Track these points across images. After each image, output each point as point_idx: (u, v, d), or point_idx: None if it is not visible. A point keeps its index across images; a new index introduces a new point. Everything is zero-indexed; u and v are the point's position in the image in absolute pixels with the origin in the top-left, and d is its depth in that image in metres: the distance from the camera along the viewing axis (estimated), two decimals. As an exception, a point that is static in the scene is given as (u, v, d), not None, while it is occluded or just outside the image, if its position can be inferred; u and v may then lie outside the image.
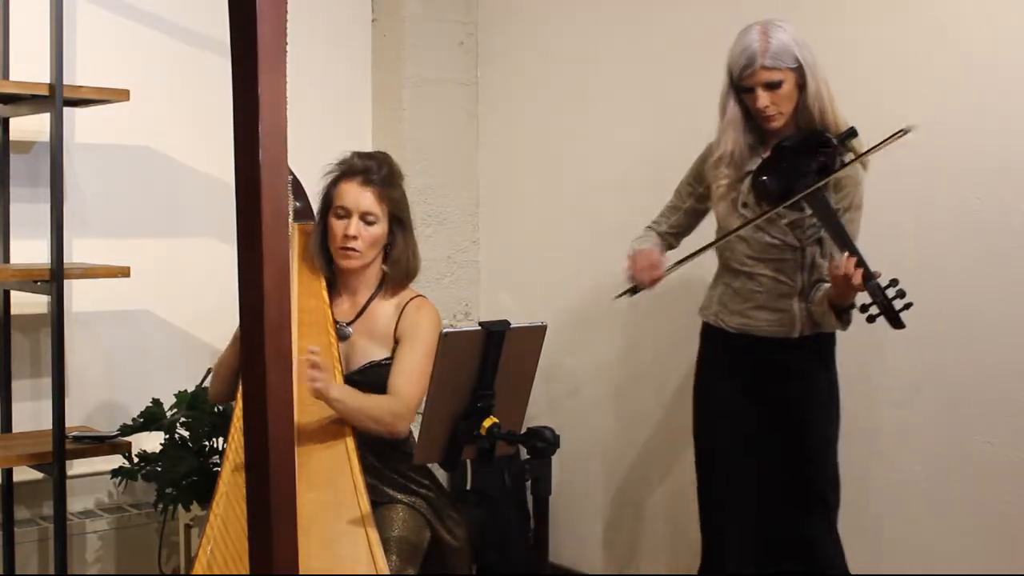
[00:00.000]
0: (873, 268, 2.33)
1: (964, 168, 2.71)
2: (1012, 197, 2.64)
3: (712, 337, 2.72)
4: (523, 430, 2.08)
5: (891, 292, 2.29)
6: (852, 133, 2.47)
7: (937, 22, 2.77)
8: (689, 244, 2.78)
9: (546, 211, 3.84)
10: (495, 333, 2.04)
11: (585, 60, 3.68)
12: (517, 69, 3.93)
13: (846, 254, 2.34)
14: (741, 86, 2.52)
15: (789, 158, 2.47)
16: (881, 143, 2.39)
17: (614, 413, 3.62)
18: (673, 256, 2.73)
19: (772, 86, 2.49)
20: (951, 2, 2.74)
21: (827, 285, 2.52)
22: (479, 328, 2.04)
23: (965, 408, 2.72)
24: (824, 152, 2.44)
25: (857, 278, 2.30)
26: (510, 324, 2.06)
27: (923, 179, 2.78)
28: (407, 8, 3.89)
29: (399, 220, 2.60)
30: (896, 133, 2.36)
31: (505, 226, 4.00)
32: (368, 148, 2.74)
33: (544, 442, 1.98)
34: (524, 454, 2.03)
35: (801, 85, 2.51)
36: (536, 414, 3.72)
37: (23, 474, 3.19)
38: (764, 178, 2.49)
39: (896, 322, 2.30)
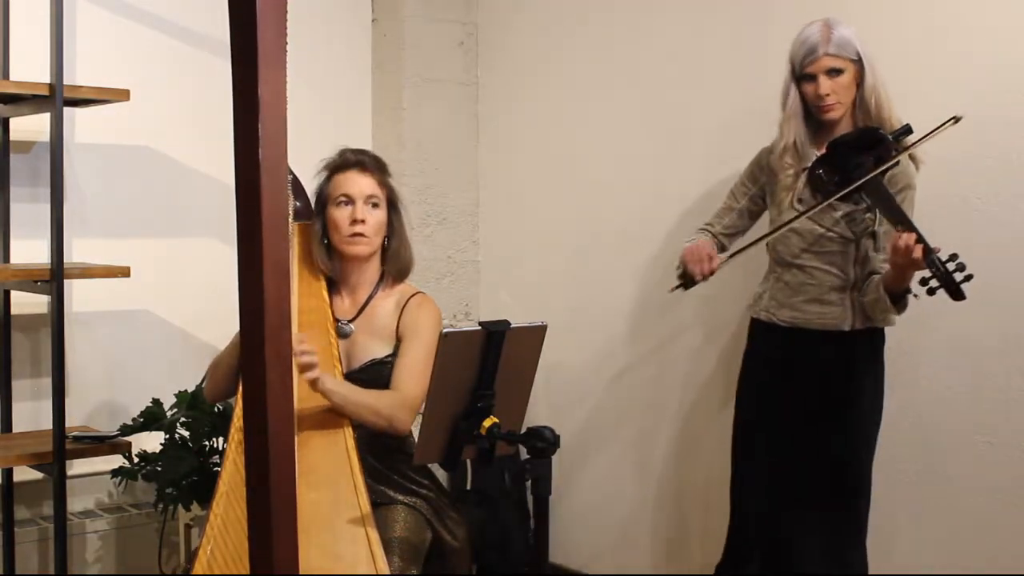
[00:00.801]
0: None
1: (964, 166, 2.71)
2: (1012, 195, 2.64)
3: (761, 333, 2.75)
4: (523, 430, 2.08)
5: (951, 265, 2.31)
6: (907, 130, 2.50)
7: (937, 20, 2.77)
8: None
9: (546, 211, 3.84)
10: (495, 333, 2.04)
11: (585, 60, 3.68)
12: (517, 69, 3.93)
13: (905, 231, 2.36)
14: (803, 75, 2.57)
15: (844, 153, 2.51)
16: (933, 131, 2.44)
17: (614, 413, 3.62)
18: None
19: (833, 73, 2.54)
20: (951, 0, 2.75)
21: (879, 275, 2.54)
22: (479, 328, 2.04)
23: (964, 407, 2.72)
24: (879, 147, 2.48)
25: (918, 252, 2.33)
26: (510, 324, 2.06)
27: (923, 177, 2.78)
28: (407, 8, 3.89)
29: (395, 208, 2.63)
30: (947, 122, 2.43)
31: (505, 226, 4.00)
32: (368, 148, 2.76)
33: (544, 442, 1.98)
34: (524, 454, 2.03)
35: (859, 80, 2.56)
36: (536, 414, 3.72)
37: (23, 474, 3.19)
38: (820, 172, 2.53)
39: (956, 293, 2.32)
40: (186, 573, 2.60)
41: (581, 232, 3.71)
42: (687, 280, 2.67)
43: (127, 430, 3.15)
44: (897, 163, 2.50)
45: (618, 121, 3.57)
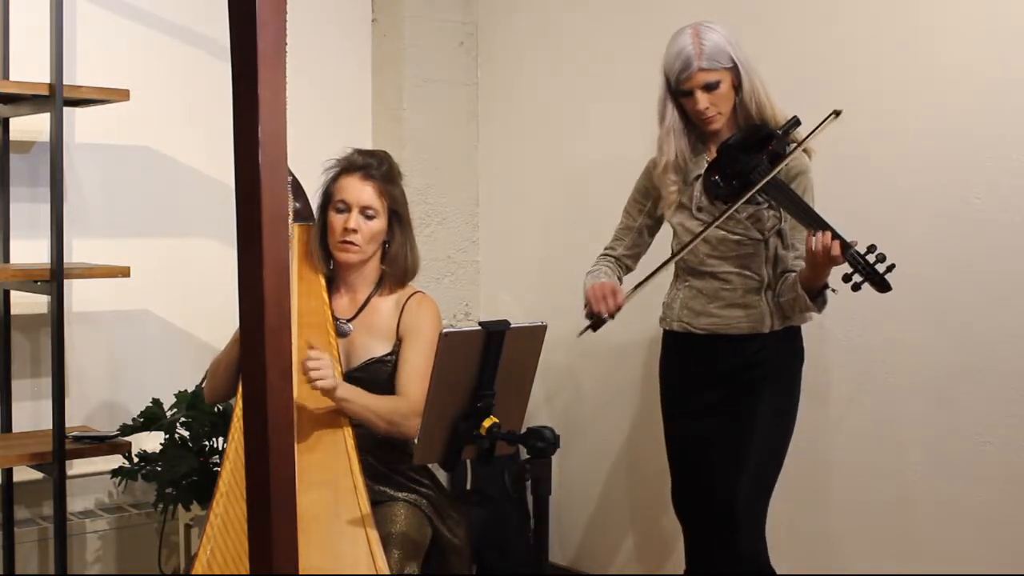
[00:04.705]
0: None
1: (963, 166, 2.71)
2: (1012, 195, 2.64)
3: (677, 345, 2.69)
4: (523, 430, 2.08)
5: (871, 258, 2.26)
6: (795, 123, 2.48)
7: (938, 20, 2.77)
8: (649, 258, 2.76)
9: (546, 211, 3.84)
10: (495, 333, 2.03)
11: (585, 60, 3.68)
12: (517, 69, 3.93)
13: (819, 231, 2.32)
14: (679, 90, 2.53)
15: (736, 155, 2.47)
16: (816, 128, 2.43)
17: (614, 412, 3.62)
18: (634, 277, 2.70)
19: (710, 87, 2.50)
20: (954, 0, 2.75)
21: (794, 274, 2.51)
22: (479, 328, 2.04)
23: (964, 407, 2.72)
24: (771, 144, 2.45)
25: (836, 249, 2.28)
26: (510, 324, 2.06)
27: (923, 177, 2.78)
28: (407, 8, 3.89)
29: (398, 216, 2.61)
30: (828, 116, 2.41)
31: (505, 226, 4.00)
32: (370, 148, 2.76)
33: (544, 442, 1.98)
34: (524, 454, 2.03)
35: (737, 84, 2.52)
36: (536, 414, 3.72)
37: (23, 474, 3.19)
38: (715, 178, 2.48)
39: (882, 285, 2.27)
40: (186, 573, 2.60)
41: (581, 232, 3.71)
42: (595, 320, 2.55)
43: (127, 430, 3.15)
44: (792, 153, 2.47)
45: (618, 121, 3.57)
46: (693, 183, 2.59)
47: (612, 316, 2.56)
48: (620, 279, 2.74)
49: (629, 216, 2.78)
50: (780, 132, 2.47)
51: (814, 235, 2.33)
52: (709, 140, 2.60)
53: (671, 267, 2.64)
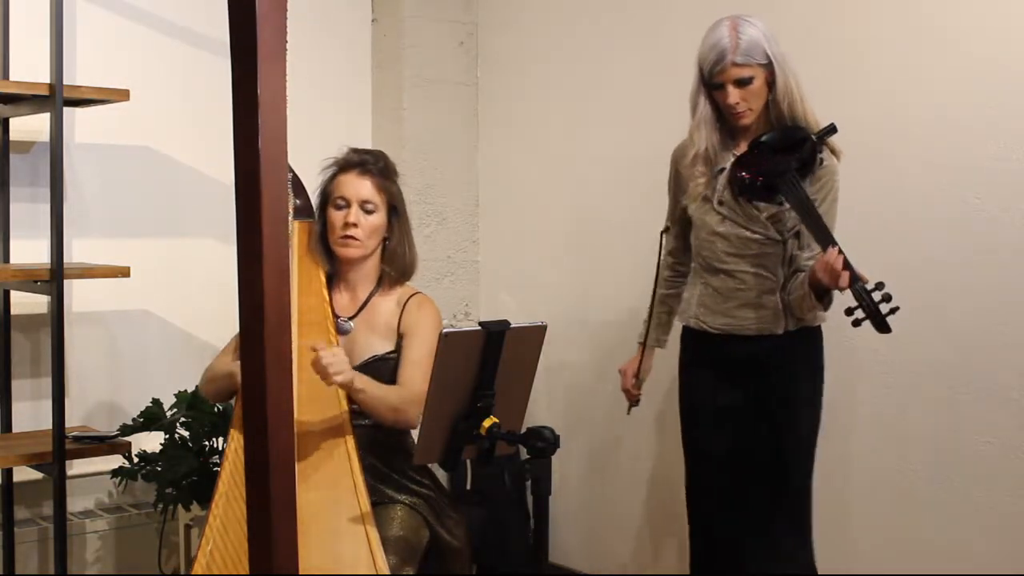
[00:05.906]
0: (867, 269, 2.31)
1: (963, 166, 2.71)
2: (1012, 195, 2.64)
3: (694, 341, 2.69)
4: (523, 430, 2.08)
5: (877, 296, 2.25)
6: (832, 130, 2.47)
7: (939, 20, 2.77)
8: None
9: (546, 211, 3.84)
10: (495, 333, 2.03)
11: (585, 60, 3.68)
12: (517, 69, 3.93)
13: (835, 250, 2.30)
14: (712, 83, 2.51)
15: (767, 154, 2.45)
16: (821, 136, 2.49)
17: (614, 413, 3.62)
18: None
19: (742, 82, 2.48)
20: (953, 1, 2.74)
21: (804, 273, 2.49)
22: (479, 328, 2.04)
23: (965, 407, 2.72)
24: (802, 147, 2.43)
25: (844, 280, 2.27)
26: (510, 324, 2.06)
27: (923, 177, 2.79)
28: (407, 8, 3.89)
29: (396, 212, 2.63)
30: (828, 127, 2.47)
31: (505, 226, 4.00)
32: (370, 148, 2.77)
33: (544, 442, 1.98)
34: (524, 454, 2.03)
35: (771, 81, 2.50)
36: (536, 414, 3.72)
37: (23, 474, 3.19)
38: (742, 174, 2.47)
39: (882, 326, 2.25)
40: (186, 573, 2.60)
41: (581, 232, 3.71)
42: (631, 404, 2.92)
43: (127, 430, 3.15)
44: (822, 163, 2.47)
45: (618, 120, 3.57)
46: (718, 176, 2.57)
47: (638, 398, 2.91)
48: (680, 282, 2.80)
49: (670, 198, 2.76)
50: (816, 137, 2.45)
51: (828, 253, 2.31)
52: (739, 135, 2.58)
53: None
